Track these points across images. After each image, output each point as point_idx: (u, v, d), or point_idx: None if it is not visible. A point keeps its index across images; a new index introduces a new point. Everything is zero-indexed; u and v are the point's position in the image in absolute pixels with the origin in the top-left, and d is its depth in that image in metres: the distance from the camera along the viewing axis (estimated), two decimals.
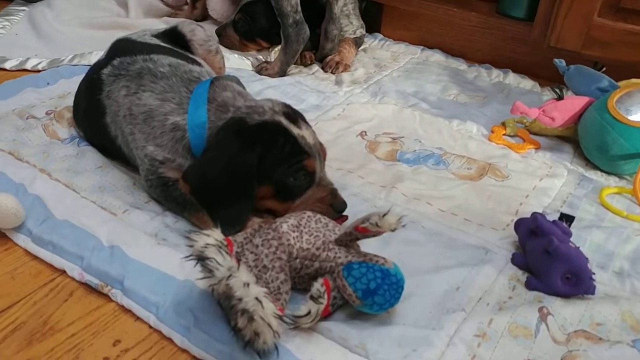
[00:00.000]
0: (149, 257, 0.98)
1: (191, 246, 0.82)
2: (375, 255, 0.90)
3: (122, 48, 1.19)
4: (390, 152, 1.39)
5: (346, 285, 0.87)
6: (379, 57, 1.97)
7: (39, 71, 1.64)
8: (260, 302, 0.77)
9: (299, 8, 1.67)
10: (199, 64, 1.23)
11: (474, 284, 0.99)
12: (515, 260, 1.05)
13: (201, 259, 0.81)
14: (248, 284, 0.79)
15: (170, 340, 0.86)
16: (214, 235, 0.84)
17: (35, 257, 0.99)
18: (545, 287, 0.98)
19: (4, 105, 1.40)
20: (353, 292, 0.86)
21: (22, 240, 1.02)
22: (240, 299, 0.78)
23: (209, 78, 1.11)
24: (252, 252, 0.89)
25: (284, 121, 1.02)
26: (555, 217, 1.11)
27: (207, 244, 0.82)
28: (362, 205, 1.18)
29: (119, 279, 0.93)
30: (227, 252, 0.82)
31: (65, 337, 0.85)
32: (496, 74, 1.87)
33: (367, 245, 1.05)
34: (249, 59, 1.83)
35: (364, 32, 1.99)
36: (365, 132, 1.48)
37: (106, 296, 0.93)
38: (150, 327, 0.88)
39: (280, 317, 0.79)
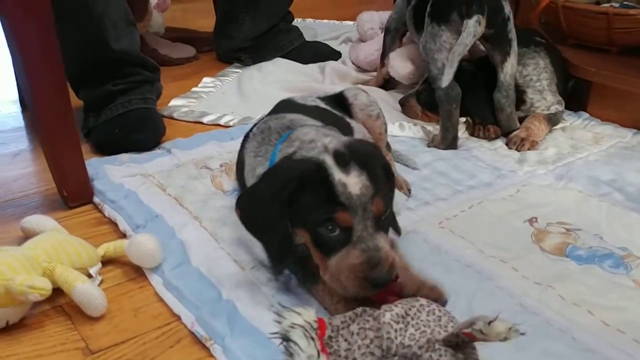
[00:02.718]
0: (258, 317, 0.96)
1: (279, 322, 0.78)
2: None
3: (278, 108, 1.25)
4: (559, 245, 1.22)
5: None
6: (578, 137, 1.77)
7: (230, 127, 1.78)
8: None
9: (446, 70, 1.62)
10: (347, 126, 1.23)
11: None
12: None
13: (285, 339, 0.76)
14: None
15: None
16: (305, 315, 0.78)
17: (161, 299, 1.04)
18: None
19: (186, 155, 1.54)
20: None
21: (155, 280, 1.09)
22: None
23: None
24: (345, 340, 0.82)
25: (329, 161, 0.92)
26: None
27: (294, 324, 0.76)
28: (506, 301, 1.04)
29: (222, 334, 0.93)
30: (313, 337, 0.76)
31: None
32: None
33: (496, 349, 0.91)
34: (426, 131, 1.78)
35: (560, 109, 1.82)
36: (536, 218, 1.32)
37: (208, 349, 0.93)
38: None
39: None
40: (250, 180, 1.13)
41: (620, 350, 0.94)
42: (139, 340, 0.95)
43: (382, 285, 0.90)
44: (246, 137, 1.23)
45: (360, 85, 2.13)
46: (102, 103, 1.60)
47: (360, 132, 1.29)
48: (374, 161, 0.97)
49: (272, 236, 0.96)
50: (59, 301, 1.03)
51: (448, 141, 1.65)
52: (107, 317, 1.00)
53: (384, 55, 2.14)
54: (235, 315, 0.97)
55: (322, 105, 1.32)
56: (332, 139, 0.98)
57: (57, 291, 1.02)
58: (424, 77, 1.85)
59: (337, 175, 0.91)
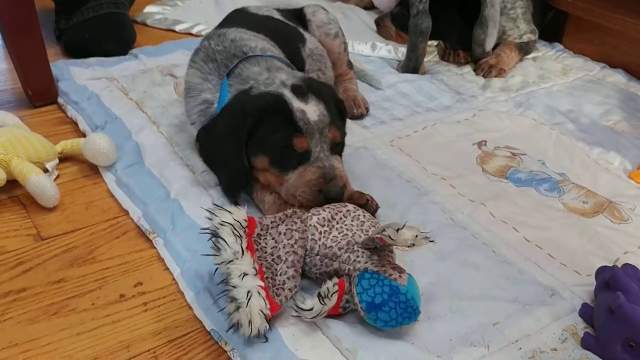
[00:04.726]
0: (202, 216, 1.02)
1: (211, 219, 0.83)
2: (395, 268, 0.83)
3: (228, 18, 1.27)
4: (501, 168, 1.28)
5: (354, 293, 0.82)
6: (547, 67, 1.80)
7: (201, 36, 1.78)
8: (249, 297, 0.77)
9: None
10: (300, 36, 1.27)
11: (516, 324, 0.88)
12: (583, 312, 0.91)
13: (214, 235, 0.82)
14: (245, 275, 0.79)
15: (182, 294, 0.90)
16: (236, 214, 0.83)
17: (112, 195, 1.10)
18: (600, 350, 0.83)
19: (153, 61, 1.56)
20: (358, 303, 0.82)
21: (108, 177, 1.14)
22: (234, 287, 0.78)
23: (256, 54, 1.11)
24: (273, 238, 0.88)
25: (288, 94, 0.99)
26: None
27: (224, 222, 0.82)
28: (437, 215, 1.11)
29: (165, 229, 1.00)
30: (240, 235, 0.81)
31: (99, 268, 0.94)
32: None
33: (420, 255, 0.99)
34: (398, 52, 1.80)
35: (533, 38, 1.83)
36: (486, 142, 1.37)
37: (151, 242, 1.00)
38: (174, 279, 0.93)
39: (266, 316, 0.79)
40: (190, 102, 1.15)
41: (532, 263, 1.01)
42: (87, 230, 1.02)
43: (335, 198, 0.97)
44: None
45: (339, 3, 2.13)
46: (73, 6, 1.60)
47: (312, 43, 1.32)
48: (329, 96, 1.04)
49: (226, 171, 1.03)
50: (15, 192, 1.09)
51: (408, 69, 1.67)
52: (60, 208, 1.06)
53: None
54: (179, 213, 1.03)
55: (277, 16, 1.34)
56: (288, 75, 1.04)
57: (15, 183, 1.07)
58: None
59: (296, 104, 0.98)
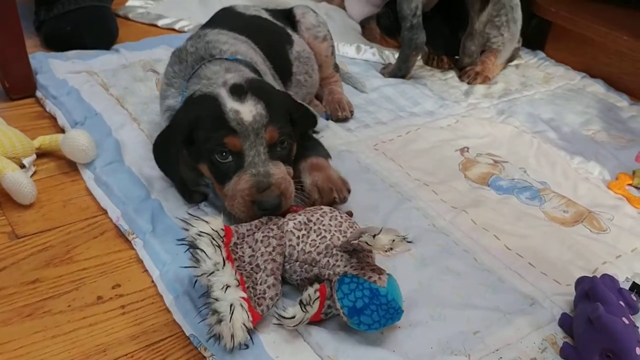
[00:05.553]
0: (182, 216, 1.00)
1: (187, 230, 0.81)
2: (374, 270, 0.82)
3: (213, 18, 1.26)
4: (483, 175, 1.28)
5: (335, 299, 0.82)
6: (529, 75, 1.81)
7: (184, 32, 1.77)
8: (232, 310, 0.76)
9: (419, 12, 1.57)
10: (287, 36, 1.26)
11: (497, 332, 0.88)
12: (562, 321, 0.91)
13: (192, 246, 0.80)
14: (227, 287, 0.77)
15: (161, 298, 0.88)
16: (213, 224, 0.81)
17: (91, 193, 1.08)
18: None
19: (135, 56, 1.53)
20: (340, 308, 0.81)
21: (87, 175, 1.12)
22: (216, 299, 0.77)
23: (224, 57, 1.08)
24: (250, 247, 0.86)
25: (224, 93, 0.94)
26: None
27: (202, 232, 0.80)
28: (419, 221, 1.10)
29: (144, 230, 0.98)
30: (219, 245, 0.80)
31: (77, 269, 0.92)
32: None
33: (402, 261, 0.99)
34: (383, 55, 1.79)
35: (517, 45, 1.84)
36: (468, 148, 1.37)
37: (130, 243, 0.98)
38: (152, 281, 0.91)
39: (248, 330, 0.78)
40: (159, 109, 1.15)
41: (513, 271, 1.01)
42: (64, 229, 0.99)
43: (269, 209, 0.91)
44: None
45: (324, 3, 2.12)
46: None
47: (300, 45, 1.30)
48: (275, 99, 0.97)
49: (174, 181, 1.03)
50: None
51: (396, 76, 1.66)
52: (37, 206, 1.04)
53: None
54: (159, 214, 1.02)
55: (265, 15, 1.32)
56: (234, 75, 1.00)
57: None
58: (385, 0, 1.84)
59: (230, 104, 0.93)
